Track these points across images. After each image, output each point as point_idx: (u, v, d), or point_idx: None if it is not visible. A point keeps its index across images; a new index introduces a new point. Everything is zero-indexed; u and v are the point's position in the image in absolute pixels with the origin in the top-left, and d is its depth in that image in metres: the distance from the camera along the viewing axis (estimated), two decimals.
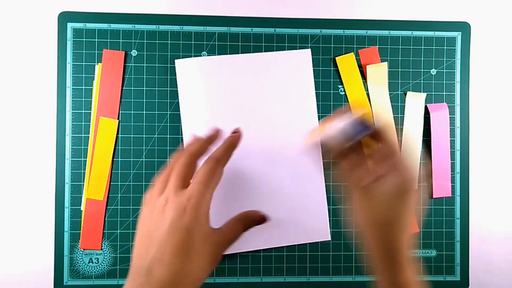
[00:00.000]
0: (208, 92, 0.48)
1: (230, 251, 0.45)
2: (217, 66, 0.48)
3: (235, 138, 0.38)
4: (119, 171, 0.47)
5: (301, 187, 0.48)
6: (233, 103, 0.48)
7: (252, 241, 0.47)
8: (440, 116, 0.49)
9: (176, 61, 0.48)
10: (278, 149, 0.48)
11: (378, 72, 0.48)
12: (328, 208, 0.48)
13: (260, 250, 0.48)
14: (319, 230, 0.48)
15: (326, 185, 0.48)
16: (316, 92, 0.49)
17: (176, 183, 0.34)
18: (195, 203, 0.33)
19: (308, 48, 0.49)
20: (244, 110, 0.48)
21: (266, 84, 0.48)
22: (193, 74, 0.47)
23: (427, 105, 0.49)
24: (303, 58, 0.49)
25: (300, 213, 0.48)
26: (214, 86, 0.48)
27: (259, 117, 0.48)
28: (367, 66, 0.49)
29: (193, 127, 0.47)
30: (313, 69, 0.49)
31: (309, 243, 0.48)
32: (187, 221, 0.32)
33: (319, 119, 0.49)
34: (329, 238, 0.48)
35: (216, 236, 0.34)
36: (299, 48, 0.49)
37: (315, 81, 0.49)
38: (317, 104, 0.49)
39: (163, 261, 0.31)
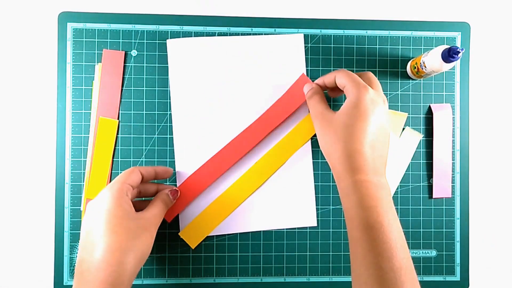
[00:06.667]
0: (199, 72, 0.48)
1: (217, 232, 0.48)
2: (209, 47, 0.48)
3: (167, 172, 0.45)
4: (119, 171, 0.47)
5: (290, 172, 0.48)
6: (224, 84, 0.48)
7: (241, 224, 0.48)
8: (443, 116, 0.49)
9: (168, 40, 0.48)
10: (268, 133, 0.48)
11: (395, 120, 0.49)
12: (317, 197, 0.49)
13: (260, 250, 0.48)
14: (306, 216, 0.48)
15: (314, 173, 0.49)
16: None
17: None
18: (112, 190, 0.38)
19: (308, 45, 0.49)
20: (235, 92, 0.48)
21: (258, 66, 0.48)
22: (184, 54, 0.48)
23: (431, 105, 0.49)
24: (295, 42, 0.49)
25: (288, 199, 0.48)
26: (205, 67, 0.48)
27: (249, 99, 0.48)
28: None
29: (182, 107, 0.48)
30: (313, 69, 0.49)
31: (296, 230, 0.49)
32: (106, 203, 0.37)
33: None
34: (315, 224, 0.48)
35: (142, 213, 0.39)
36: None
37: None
38: None
39: (91, 243, 0.36)
